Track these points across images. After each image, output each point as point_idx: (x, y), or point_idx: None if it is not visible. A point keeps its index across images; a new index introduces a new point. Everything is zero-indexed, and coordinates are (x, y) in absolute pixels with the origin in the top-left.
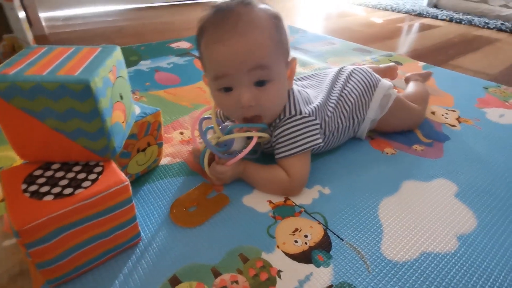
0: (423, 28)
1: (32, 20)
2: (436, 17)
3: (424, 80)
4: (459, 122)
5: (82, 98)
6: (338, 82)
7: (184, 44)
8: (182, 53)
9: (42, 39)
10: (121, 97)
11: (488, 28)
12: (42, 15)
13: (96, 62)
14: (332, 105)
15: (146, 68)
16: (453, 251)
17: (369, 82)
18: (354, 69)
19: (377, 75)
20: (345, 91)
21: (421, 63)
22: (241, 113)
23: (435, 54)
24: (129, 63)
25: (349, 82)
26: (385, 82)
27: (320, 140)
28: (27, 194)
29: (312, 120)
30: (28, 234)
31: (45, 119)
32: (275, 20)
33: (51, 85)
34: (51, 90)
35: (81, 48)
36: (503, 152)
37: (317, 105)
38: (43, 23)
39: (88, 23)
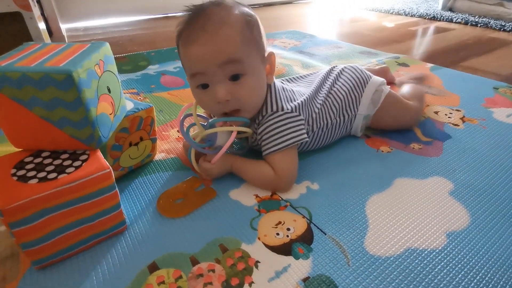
0: (437, 31)
1: (52, 30)
2: (451, 20)
3: (419, 82)
4: (463, 121)
5: (65, 87)
6: (328, 79)
7: None
8: None
9: None
10: (109, 90)
11: (505, 30)
12: (65, 26)
13: (82, 56)
14: (320, 101)
15: (153, 72)
16: (440, 248)
17: (359, 78)
18: (345, 67)
19: (368, 72)
20: (335, 88)
21: (429, 65)
22: (218, 108)
23: (446, 56)
24: (138, 68)
25: (338, 80)
26: (377, 78)
27: (305, 136)
28: (15, 178)
29: (295, 116)
30: (12, 214)
31: (32, 108)
32: (246, 16)
33: (36, 75)
34: (36, 79)
35: (72, 44)
36: (507, 151)
37: (302, 101)
38: (64, 33)
39: (105, 33)
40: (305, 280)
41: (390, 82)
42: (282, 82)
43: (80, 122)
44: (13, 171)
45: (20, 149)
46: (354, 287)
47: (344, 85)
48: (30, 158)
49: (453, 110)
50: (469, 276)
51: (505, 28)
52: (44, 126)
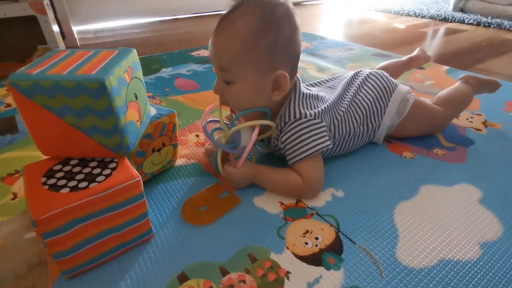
0: (448, 32)
1: (65, 33)
2: (462, 22)
3: (481, 85)
4: (485, 126)
5: (97, 96)
6: (352, 85)
7: (204, 52)
8: (201, 60)
9: None
10: (136, 96)
11: None
12: (75, 28)
13: (112, 63)
14: (343, 108)
15: (166, 75)
16: (475, 259)
17: (385, 87)
18: (370, 73)
19: (394, 80)
20: (359, 96)
21: (445, 67)
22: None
23: (460, 58)
24: (151, 71)
25: (363, 87)
26: (403, 86)
27: (329, 142)
28: (46, 187)
29: (318, 123)
30: (44, 224)
31: (64, 116)
32: (263, 24)
33: (69, 83)
34: (69, 88)
35: (100, 50)
36: None
37: (324, 107)
38: (76, 36)
39: (116, 35)
40: None
41: (420, 64)
42: (306, 87)
43: (110, 130)
44: (43, 179)
45: (48, 157)
46: None
47: (370, 93)
48: (59, 166)
49: (474, 114)
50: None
51: None
52: (74, 134)
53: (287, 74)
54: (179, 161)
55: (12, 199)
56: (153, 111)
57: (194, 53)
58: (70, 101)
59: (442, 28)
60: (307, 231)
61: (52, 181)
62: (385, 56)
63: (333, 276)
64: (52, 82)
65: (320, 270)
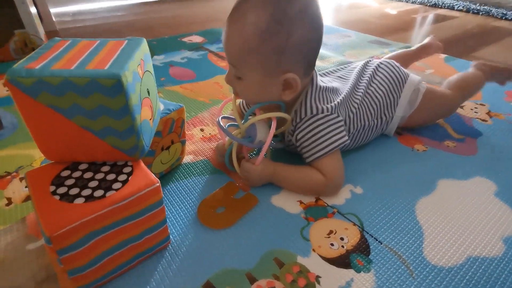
0: (440, 19)
1: (42, 16)
2: (452, 8)
3: (494, 72)
4: (490, 116)
5: (113, 94)
6: (364, 76)
7: (197, 38)
8: (195, 47)
9: (53, 35)
10: (148, 92)
11: (506, 19)
12: (52, 10)
13: (124, 56)
14: (357, 101)
15: (159, 63)
16: (500, 255)
17: (397, 78)
18: (381, 62)
19: (405, 70)
20: (372, 88)
21: (442, 55)
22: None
23: (455, 45)
24: None
25: (375, 78)
26: (414, 76)
27: (347, 138)
28: (57, 197)
29: (335, 118)
30: (61, 240)
31: (73, 117)
32: (273, 23)
33: (80, 80)
34: (81, 85)
35: (107, 41)
36: None
37: (340, 100)
38: (54, 19)
39: (97, 18)
40: None
41: (432, 53)
42: (321, 78)
43: (125, 131)
44: (52, 188)
45: (53, 161)
46: None
47: (382, 85)
48: (68, 172)
49: (477, 104)
50: None
51: (507, 16)
52: (84, 137)
53: (297, 77)
54: (187, 158)
55: (7, 204)
56: (161, 107)
57: (185, 39)
58: (81, 100)
59: (433, 14)
60: (331, 231)
61: (62, 189)
62: (383, 44)
63: (364, 279)
64: (61, 79)
65: (350, 273)
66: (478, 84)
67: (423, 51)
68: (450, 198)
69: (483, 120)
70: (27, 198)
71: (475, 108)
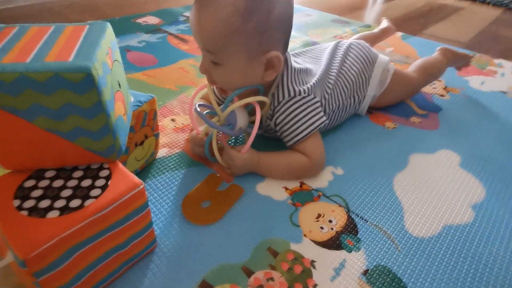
0: None
1: None
2: None
3: (454, 57)
4: (447, 91)
5: (82, 90)
6: (336, 57)
7: (152, 20)
8: (152, 29)
9: None
10: (119, 85)
11: None
12: None
13: (89, 44)
14: (332, 81)
15: None
16: (471, 221)
17: (368, 58)
18: (352, 43)
19: (374, 50)
20: (345, 68)
21: (399, 33)
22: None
23: (408, 23)
24: None
25: (347, 58)
26: (383, 57)
27: (325, 118)
28: (24, 212)
29: (312, 99)
30: (37, 262)
31: (34, 119)
32: (253, 2)
33: (41, 75)
34: (42, 81)
35: (63, 26)
36: (491, 119)
37: (315, 81)
38: None
39: None
40: (365, 273)
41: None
42: (294, 59)
43: (99, 131)
44: (17, 202)
45: (10, 170)
46: (412, 273)
47: (355, 65)
48: (32, 182)
49: (435, 80)
50: (503, 245)
51: None
52: (49, 140)
53: (280, 54)
54: (161, 152)
55: None
56: (131, 99)
57: (140, 20)
58: (43, 99)
59: None
60: (319, 215)
61: (29, 203)
62: (344, 23)
63: (356, 258)
64: (16, 75)
65: (342, 253)
66: (440, 68)
67: (384, 34)
68: (422, 172)
69: (441, 96)
70: None
71: (433, 84)
